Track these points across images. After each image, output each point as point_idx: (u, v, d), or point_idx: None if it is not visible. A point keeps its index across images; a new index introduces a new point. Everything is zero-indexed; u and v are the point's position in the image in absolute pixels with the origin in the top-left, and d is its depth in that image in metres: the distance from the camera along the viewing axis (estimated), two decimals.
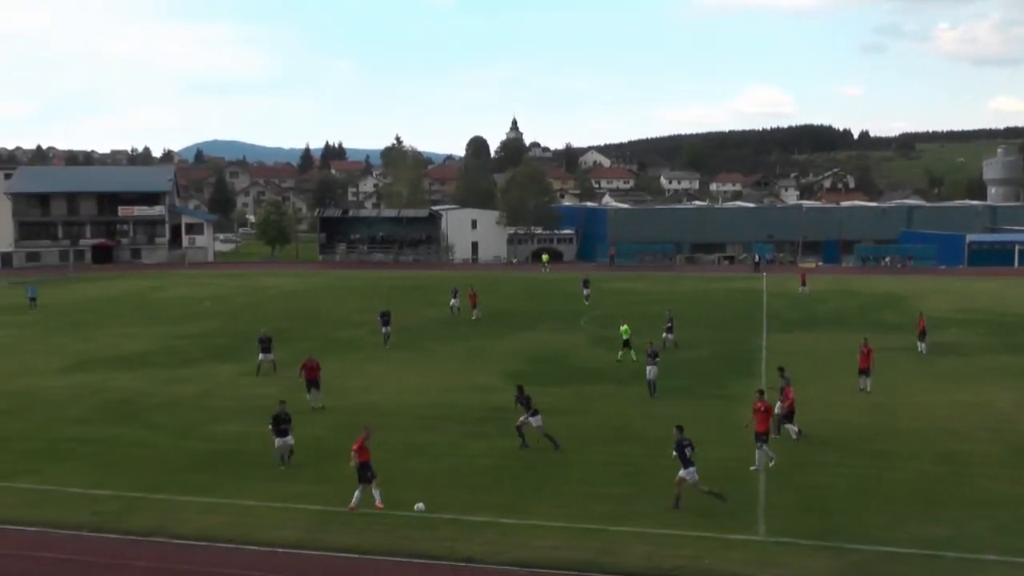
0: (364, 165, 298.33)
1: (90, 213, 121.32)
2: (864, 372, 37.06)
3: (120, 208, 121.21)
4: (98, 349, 49.40)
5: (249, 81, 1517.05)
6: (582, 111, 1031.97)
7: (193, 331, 55.39)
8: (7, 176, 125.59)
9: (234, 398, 37.19)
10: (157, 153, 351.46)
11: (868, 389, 36.67)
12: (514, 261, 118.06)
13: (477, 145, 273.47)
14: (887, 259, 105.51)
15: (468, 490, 25.18)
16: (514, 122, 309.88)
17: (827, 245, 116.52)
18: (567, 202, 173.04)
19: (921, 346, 45.70)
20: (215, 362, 45.11)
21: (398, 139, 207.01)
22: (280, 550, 21.34)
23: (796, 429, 30.15)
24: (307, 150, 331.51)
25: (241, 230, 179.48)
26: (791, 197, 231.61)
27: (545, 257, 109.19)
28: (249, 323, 58.00)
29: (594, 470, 27.00)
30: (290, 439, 27.82)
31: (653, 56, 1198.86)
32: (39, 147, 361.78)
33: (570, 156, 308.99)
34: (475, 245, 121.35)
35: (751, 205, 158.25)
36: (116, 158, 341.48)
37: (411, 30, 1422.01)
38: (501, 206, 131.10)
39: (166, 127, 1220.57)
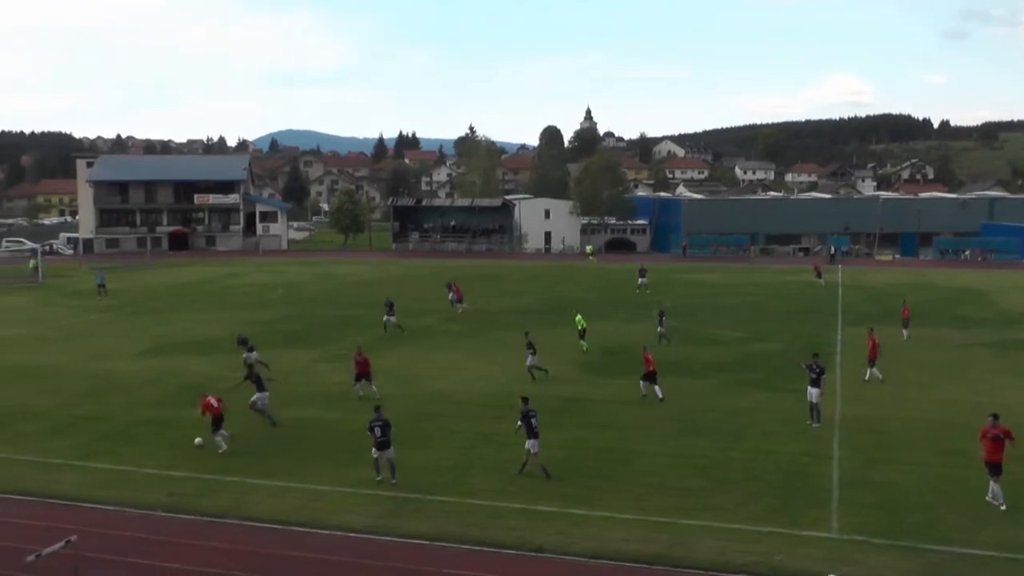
0: (438, 155, 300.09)
1: (167, 201, 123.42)
2: (871, 361, 37.30)
3: (196, 196, 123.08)
4: (173, 334, 50.19)
5: (324, 71, 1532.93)
6: (657, 100, 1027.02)
7: (266, 317, 55.98)
8: (89, 165, 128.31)
9: (306, 384, 37.49)
10: (232, 143, 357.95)
11: (875, 378, 36.96)
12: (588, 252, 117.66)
13: (551, 135, 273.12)
14: (967, 252, 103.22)
15: (538, 479, 25.04)
16: (588, 111, 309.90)
17: (905, 237, 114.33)
18: (641, 192, 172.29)
19: (905, 333, 46.77)
20: (288, 348, 45.49)
21: (472, 129, 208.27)
22: (351, 535, 21.48)
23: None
24: (381, 140, 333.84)
25: (315, 218, 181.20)
26: (868, 188, 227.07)
27: (590, 248, 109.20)
28: (321, 310, 58.61)
29: (666, 462, 26.73)
30: (391, 451, 25.14)
31: (729, 44, 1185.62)
32: (119, 137, 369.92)
33: (644, 146, 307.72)
34: (548, 235, 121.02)
35: (827, 196, 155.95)
36: (192, 147, 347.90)
37: (486, 20, 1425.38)
38: (574, 196, 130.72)
39: (242, 117, 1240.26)
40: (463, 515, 22.54)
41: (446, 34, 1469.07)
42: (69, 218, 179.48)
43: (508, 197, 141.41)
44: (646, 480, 25.09)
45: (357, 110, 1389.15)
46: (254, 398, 31.04)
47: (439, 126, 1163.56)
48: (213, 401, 28.41)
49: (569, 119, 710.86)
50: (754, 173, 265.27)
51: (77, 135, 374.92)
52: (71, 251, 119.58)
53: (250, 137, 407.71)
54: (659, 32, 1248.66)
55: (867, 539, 20.92)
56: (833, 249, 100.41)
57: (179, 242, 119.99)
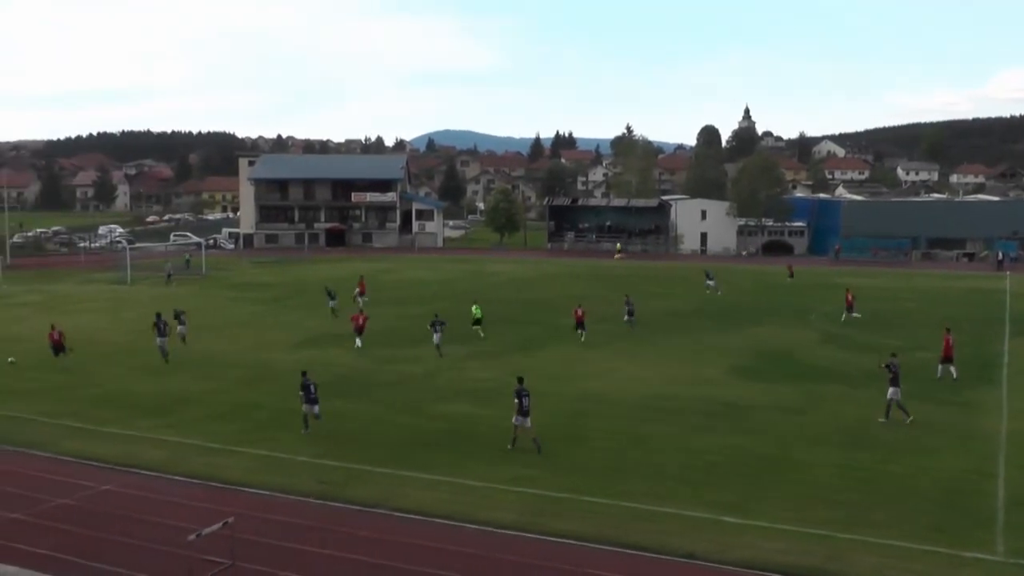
0: (594, 154, 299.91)
1: (325, 198, 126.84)
2: (947, 360, 38.08)
3: (353, 194, 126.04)
4: (328, 327, 51.53)
5: (481, 71, 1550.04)
6: (817, 99, 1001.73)
7: (420, 312, 56.69)
8: (250, 163, 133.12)
9: (458, 379, 37.99)
10: (390, 142, 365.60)
11: (954, 376, 37.41)
12: (743, 253, 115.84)
13: (708, 134, 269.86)
14: None
15: (691, 485, 24.77)
16: (747, 111, 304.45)
17: None
18: (799, 193, 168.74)
19: (846, 315, 54.11)
20: (441, 344, 46.18)
21: (629, 128, 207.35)
22: (499, 530, 21.62)
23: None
24: (537, 139, 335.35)
25: (470, 217, 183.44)
26: None
27: (619, 246, 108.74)
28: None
29: (824, 473, 26.01)
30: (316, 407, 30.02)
31: (892, 40, 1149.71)
32: (279, 136, 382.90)
33: (803, 146, 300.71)
34: (704, 236, 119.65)
35: (995, 199, 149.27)
36: (351, 147, 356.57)
37: (643, 18, 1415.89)
38: (731, 197, 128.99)
39: (399, 117, 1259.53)
40: (613, 517, 22.41)
41: (604, 33, 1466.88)
42: (231, 214, 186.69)
43: (664, 197, 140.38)
44: (803, 490, 24.48)
45: (514, 110, 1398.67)
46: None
47: (596, 126, 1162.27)
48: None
49: (727, 118, 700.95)
50: (917, 174, 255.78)
51: (240, 135, 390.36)
52: (232, 246, 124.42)
53: (408, 137, 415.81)
54: (820, 28, 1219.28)
55: None
56: (1001, 255, 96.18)
57: (336, 238, 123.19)
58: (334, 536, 21.22)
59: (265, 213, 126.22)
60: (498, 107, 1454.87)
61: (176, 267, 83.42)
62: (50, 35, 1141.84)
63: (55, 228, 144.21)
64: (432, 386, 36.79)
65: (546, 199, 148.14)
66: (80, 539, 20.95)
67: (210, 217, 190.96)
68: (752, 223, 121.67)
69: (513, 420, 27.89)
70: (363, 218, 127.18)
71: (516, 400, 27.87)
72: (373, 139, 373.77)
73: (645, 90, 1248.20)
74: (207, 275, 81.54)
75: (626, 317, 52.34)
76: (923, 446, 28.66)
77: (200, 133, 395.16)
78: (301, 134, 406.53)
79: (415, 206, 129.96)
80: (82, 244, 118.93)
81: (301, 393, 30.10)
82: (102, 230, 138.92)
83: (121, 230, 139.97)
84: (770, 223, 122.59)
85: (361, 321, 46.59)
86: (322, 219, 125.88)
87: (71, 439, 29.34)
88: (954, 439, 29.41)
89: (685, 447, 28.51)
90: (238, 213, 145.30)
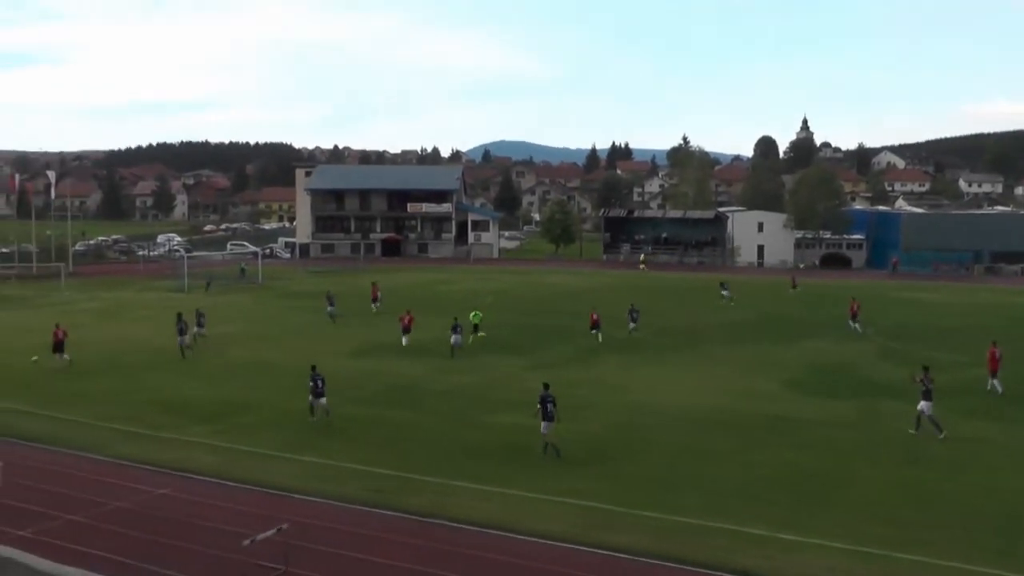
0: (650, 165, 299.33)
1: (381, 209, 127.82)
2: (994, 373, 38.11)
3: (409, 204, 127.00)
4: (382, 336, 51.76)
5: (538, 82, 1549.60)
6: (876, 109, 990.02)
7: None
8: (307, 174, 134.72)
9: (512, 390, 38.04)
10: (446, 153, 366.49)
11: (999, 391, 37.56)
12: (801, 266, 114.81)
13: (765, 145, 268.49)
14: None
15: (746, 500, 24.60)
16: (804, 121, 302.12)
17: None
18: (858, 205, 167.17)
19: (853, 326, 54.84)
20: (495, 354, 46.35)
21: (685, 139, 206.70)
22: (551, 543, 21.58)
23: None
24: (593, 150, 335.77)
25: (526, 228, 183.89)
26: None
27: (643, 257, 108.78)
28: (530, 318, 59.40)
29: (882, 490, 25.68)
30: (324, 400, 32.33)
31: (954, 47, 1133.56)
32: (335, 147, 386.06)
33: (862, 157, 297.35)
34: (761, 248, 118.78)
35: None
36: (406, 158, 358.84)
37: (699, 27, 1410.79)
38: (789, 209, 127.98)
39: (455, 128, 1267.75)
40: (667, 531, 22.30)
41: (661, 42, 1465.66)
42: (287, 223, 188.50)
43: (721, 209, 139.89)
44: (859, 508, 24.18)
45: (570, 120, 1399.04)
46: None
47: (652, 136, 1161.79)
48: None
49: (784, 129, 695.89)
50: (980, 186, 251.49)
51: (297, 146, 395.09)
52: (288, 255, 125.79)
53: (463, 148, 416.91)
54: (880, 36, 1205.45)
55: None
56: None
57: (391, 249, 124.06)
58: (385, 544, 21.34)
59: (321, 223, 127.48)
60: (554, 118, 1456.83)
61: (230, 276, 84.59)
62: (112, 49, 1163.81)
63: (115, 236, 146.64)
64: (486, 397, 36.90)
65: (602, 210, 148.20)
66: (137, 542, 21.28)
67: (266, 227, 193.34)
68: (809, 236, 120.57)
69: (541, 428, 28.48)
70: (419, 229, 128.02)
71: (541, 406, 28.52)
72: (429, 150, 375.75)
73: (702, 100, 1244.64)
74: (263, 284, 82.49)
75: (631, 325, 53.22)
76: (984, 464, 28.24)
77: (257, 144, 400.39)
78: (357, 145, 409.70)
79: (470, 217, 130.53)
80: (141, 252, 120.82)
81: (310, 385, 32.39)
82: (160, 239, 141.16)
83: (179, 239, 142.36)
84: (828, 236, 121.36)
85: (407, 320, 48.64)
86: (378, 229, 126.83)
87: (127, 443, 29.86)
88: (1017, 458, 28.93)
89: (740, 461, 28.33)
90: (294, 223, 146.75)
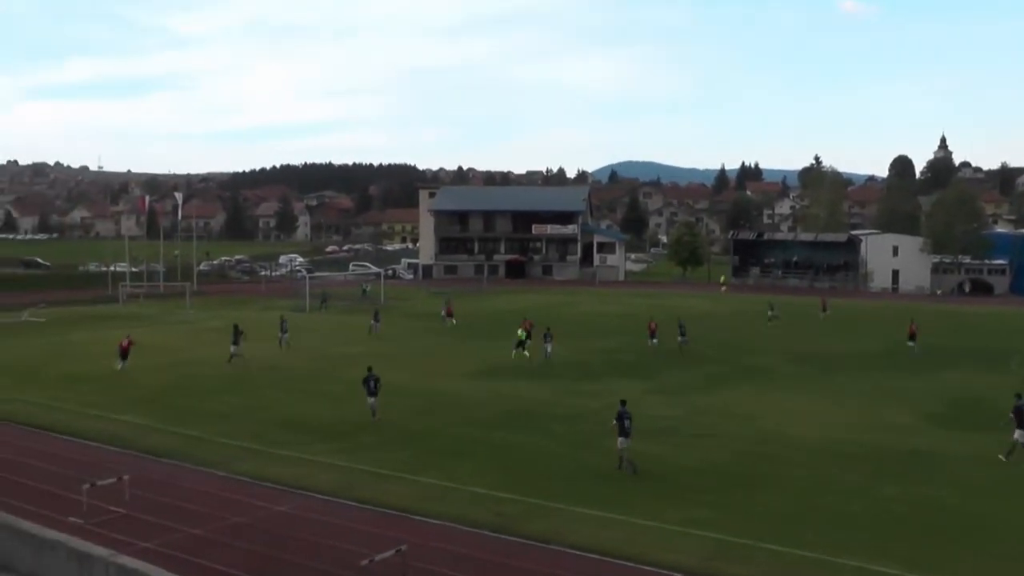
0: (780, 187, 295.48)
1: (505, 230, 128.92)
2: None
3: (534, 226, 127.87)
4: (506, 358, 52.12)
5: (666, 101, 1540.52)
6: (1019, 126, 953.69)
7: (600, 346, 57.11)
8: (431, 195, 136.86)
9: (635, 416, 37.57)
10: (572, 174, 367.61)
11: None
12: (938, 292, 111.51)
13: (901, 165, 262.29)
14: None
15: (875, 536, 23.88)
16: (943, 140, 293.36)
17: None
18: (1000, 228, 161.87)
19: (911, 344, 56.07)
20: (620, 378, 46.13)
21: (817, 159, 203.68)
22: (670, 572, 21.31)
23: None
24: (722, 171, 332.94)
25: (653, 250, 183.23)
26: None
27: (723, 278, 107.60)
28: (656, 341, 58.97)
29: (1020, 533, 24.61)
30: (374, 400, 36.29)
31: None
32: (460, 168, 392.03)
33: (1005, 177, 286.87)
34: (896, 273, 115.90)
35: None
36: (531, 178, 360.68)
37: (832, 44, 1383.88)
38: (925, 232, 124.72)
39: (581, 148, 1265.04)
40: (792, 566, 21.80)
41: (792, 59, 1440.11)
42: (410, 245, 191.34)
43: (854, 232, 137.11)
44: (997, 549, 23.25)
45: (698, 140, 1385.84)
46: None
47: (782, 156, 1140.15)
48: None
49: (921, 148, 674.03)
50: None
51: (421, 167, 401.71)
52: (411, 276, 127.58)
53: (589, 168, 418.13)
54: (1020, 50, 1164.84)
55: None
56: None
57: (516, 270, 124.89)
58: (505, 570, 21.38)
59: (445, 244, 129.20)
60: (682, 138, 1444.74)
61: (352, 297, 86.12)
62: (238, 74, 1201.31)
63: (238, 256, 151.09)
64: (610, 421, 36.61)
65: (731, 232, 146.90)
66: (256, 557, 21.73)
67: (389, 248, 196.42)
68: (947, 260, 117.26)
69: (618, 444, 29.52)
70: (543, 250, 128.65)
71: (618, 422, 29.56)
72: (555, 170, 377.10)
73: (834, 119, 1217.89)
74: (385, 304, 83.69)
75: (679, 338, 55.82)
76: None
77: (381, 165, 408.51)
78: (482, 165, 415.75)
79: (596, 238, 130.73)
80: (263, 272, 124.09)
81: (363, 386, 36.55)
82: (283, 259, 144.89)
83: (301, 259, 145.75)
84: (967, 260, 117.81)
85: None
86: (502, 251, 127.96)
87: (247, 460, 30.60)
88: None
89: (870, 496, 27.55)
90: (417, 244, 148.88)
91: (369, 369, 37.11)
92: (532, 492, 27.05)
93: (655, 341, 55.97)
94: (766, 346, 58.17)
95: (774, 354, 54.35)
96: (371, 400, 36.47)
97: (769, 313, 73.40)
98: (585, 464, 30.47)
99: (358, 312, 76.51)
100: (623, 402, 30.43)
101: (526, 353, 51.92)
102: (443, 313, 70.02)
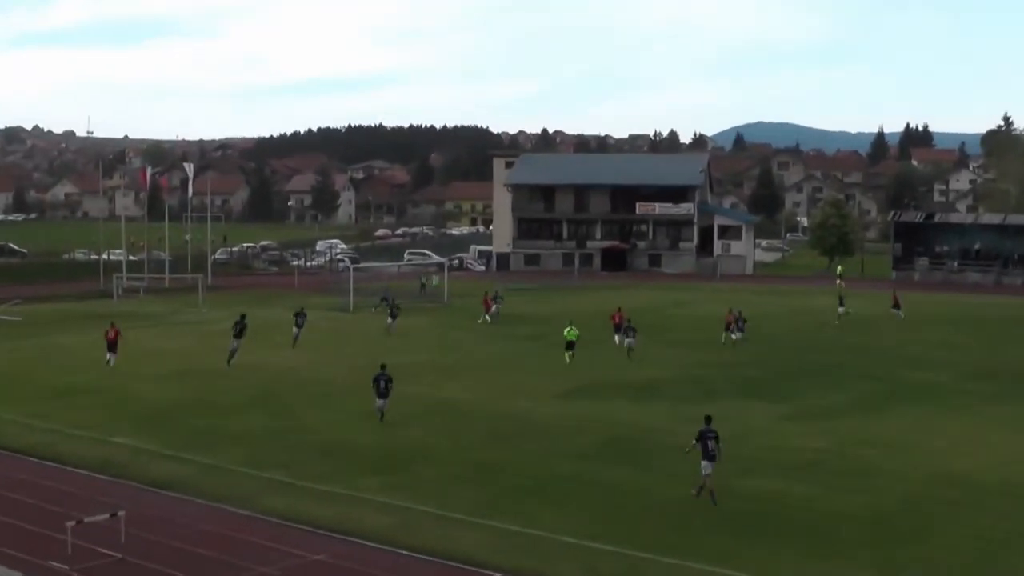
0: (957, 155, 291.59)
1: (601, 210, 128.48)
2: None
3: (638, 205, 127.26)
4: (604, 372, 52.01)
5: (807, 46, 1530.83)
6: None
7: (720, 359, 56.57)
8: (508, 165, 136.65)
9: (770, 447, 37.37)
10: (686, 139, 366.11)
11: None
12: None
13: None
14: None
15: None
16: None
17: None
18: None
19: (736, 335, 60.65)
20: (747, 399, 45.71)
21: (1006, 119, 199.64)
22: None
23: None
24: (880, 135, 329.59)
25: (789, 236, 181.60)
26: None
27: (840, 268, 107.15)
28: (793, 354, 58.38)
29: None
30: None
31: None
32: (544, 131, 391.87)
33: None
34: None
35: None
36: (635, 144, 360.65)
37: None
38: None
39: (699, 107, 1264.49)
40: None
41: None
42: (481, 228, 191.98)
43: None
44: None
45: (848, 97, 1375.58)
46: None
47: (959, 117, 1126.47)
48: None
49: None
50: None
51: (495, 130, 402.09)
52: (483, 267, 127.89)
53: (709, 132, 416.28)
54: None
55: None
56: None
57: (614, 261, 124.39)
58: None
59: (525, 227, 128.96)
60: (828, 93, 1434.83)
61: (408, 293, 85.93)
62: (267, 16, 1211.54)
63: (264, 243, 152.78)
64: (736, 453, 36.11)
65: (891, 214, 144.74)
66: None
67: (455, 232, 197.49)
68: None
69: (702, 467, 30.19)
70: (650, 235, 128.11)
71: (699, 442, 30.41)
72: (665, 134, 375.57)
73: None
74: (449, 303, 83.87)
75: (736, 335, 60.58)
76: None
77: (445, 128, 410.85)
78: (572, 128, 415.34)
79: (717, 221, 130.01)
80: (296, 263, 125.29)
81: (373, 386, 39.77)
82: (321, 246, 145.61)
83: (344, 246, 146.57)
84: None
85: (617, 319, 59.73)
86: (597, 236, 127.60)
87: (278, 495, 30.79)
88: None
89: None
90: (491, 227, 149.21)
91: (382, 367, 40.14)
92: (635, 543, 26.78)
93: (622, 338, 58.07)
94: (940, 358, 57.27)
95: (948, 369, 53.47)
96: (380, 402, 39.67)
97: (840, 310, 74.49)
98: (703, 508, 30.13)
99: (415, 313, 76.56)
100: (708, 418, 31.11)
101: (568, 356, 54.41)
102: (489, 307, 74.28)
